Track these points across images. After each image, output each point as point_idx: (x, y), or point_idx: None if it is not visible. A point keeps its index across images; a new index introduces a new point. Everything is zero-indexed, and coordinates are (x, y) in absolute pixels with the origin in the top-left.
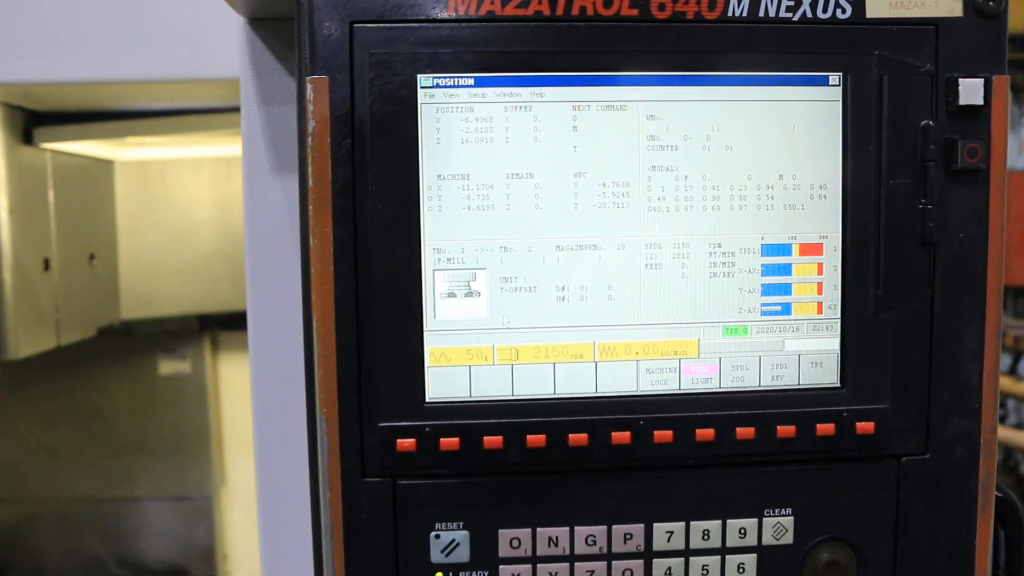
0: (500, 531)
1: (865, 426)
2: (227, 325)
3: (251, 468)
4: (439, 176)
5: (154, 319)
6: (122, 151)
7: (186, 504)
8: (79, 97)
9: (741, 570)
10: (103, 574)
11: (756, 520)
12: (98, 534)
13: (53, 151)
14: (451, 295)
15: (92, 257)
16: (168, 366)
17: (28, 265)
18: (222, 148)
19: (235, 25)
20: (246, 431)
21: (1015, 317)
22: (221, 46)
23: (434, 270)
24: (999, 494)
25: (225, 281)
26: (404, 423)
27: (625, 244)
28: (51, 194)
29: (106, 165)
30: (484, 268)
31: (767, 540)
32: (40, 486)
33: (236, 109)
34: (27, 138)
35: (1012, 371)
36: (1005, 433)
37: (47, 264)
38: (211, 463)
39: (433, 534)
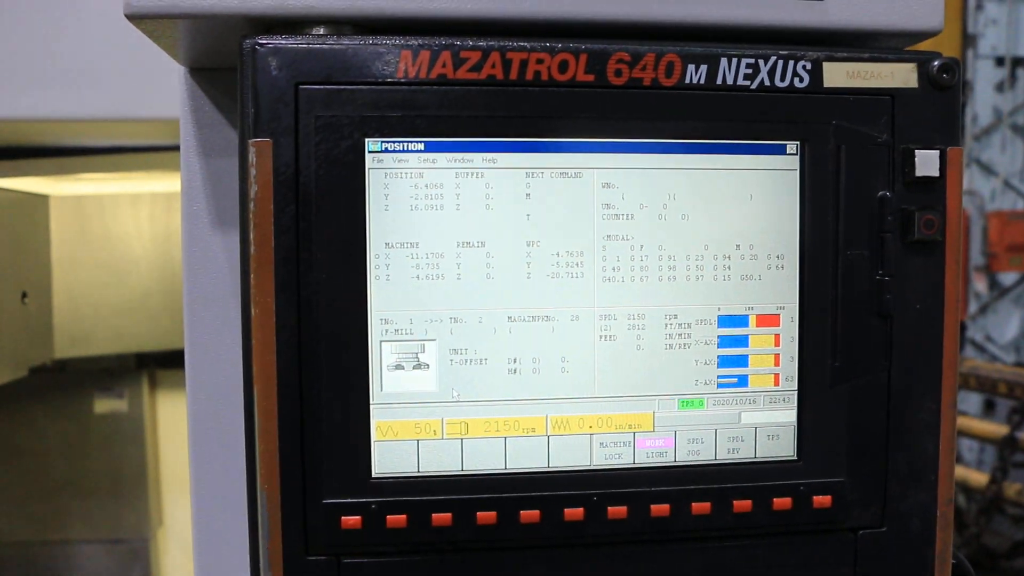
0: None
1: (822, 499)
2: (165, 363)
3: (190, 509)
4: (387, 244)
5: (89, 358)
6: (58, 186)
7: (121, 546)
8: (14, 133)
9: None
10: None
11: None
12: None
13: None
14: (399, 367)
15: (24, 295)
16: (104, 404)
17: None
18: (161, 184)
19: (176, 69)
20: (185, 470)
21: None
22: (162, 86)
23: (381, 341)
24: (953, 561)
25: (164, 318)
26: (349, 499)
27: (579, 315)
28: None
29: (41, 200)
30: (433, 339)
31: None
32: None
33: (176, 148)
34: None
35: None
36: None
37: None
38: (148, 503)
39: None
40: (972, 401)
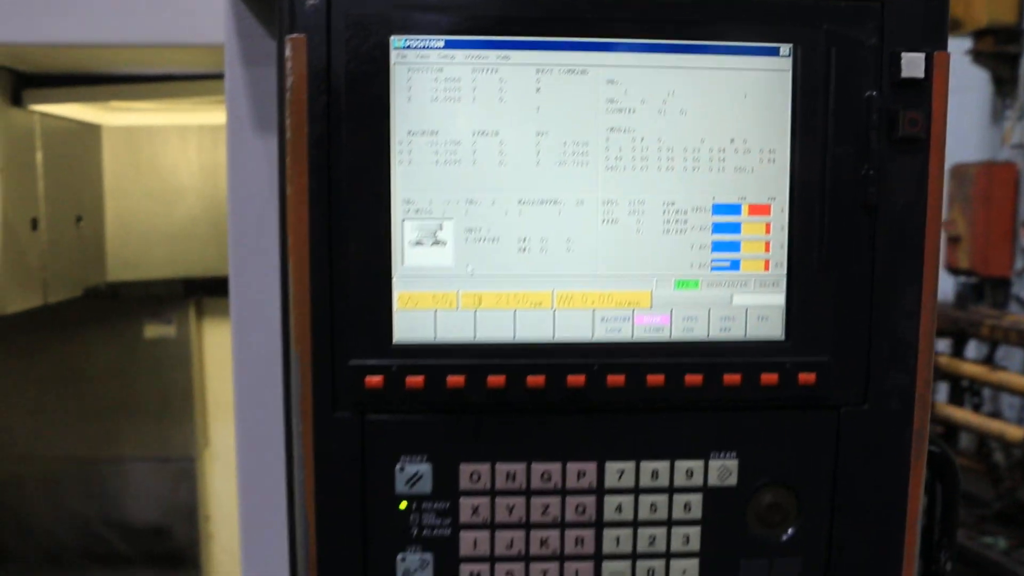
0: (461, 465)
1: (807, 377)
2: (212, 291)
3: (234, 430)
4: (409, 132)
5: (140, 282)
6: (110, 117)
7: (169, 465)
8: (68, 60)
9: (688, 509)
10: (88, 533)
11: (702, 462)
12: (83, 494)
13: (42, 114)
14: (419, 243)
15: (79, 219)
16: (153, 330)
17: (16, 224)
18: (208, 117)
19: None
20: (229, 395)
21: (993, 307)
22: (207, 12)
23: (403, 219)
24: (936, 450)
25: (211, 247)
26: (373, 361)
27: (584, 200)
28: (39, 156)
29: (94, 130)
30: (451, 219)
31: (712, 482)
32: (26, 445)
33: (222, 76)
34: (16, 100)
35: (988, 360)
36: (980, 421)
37: (35, 224)
38: (194, 426)
39: (398, 467)
40: (1015, 357)
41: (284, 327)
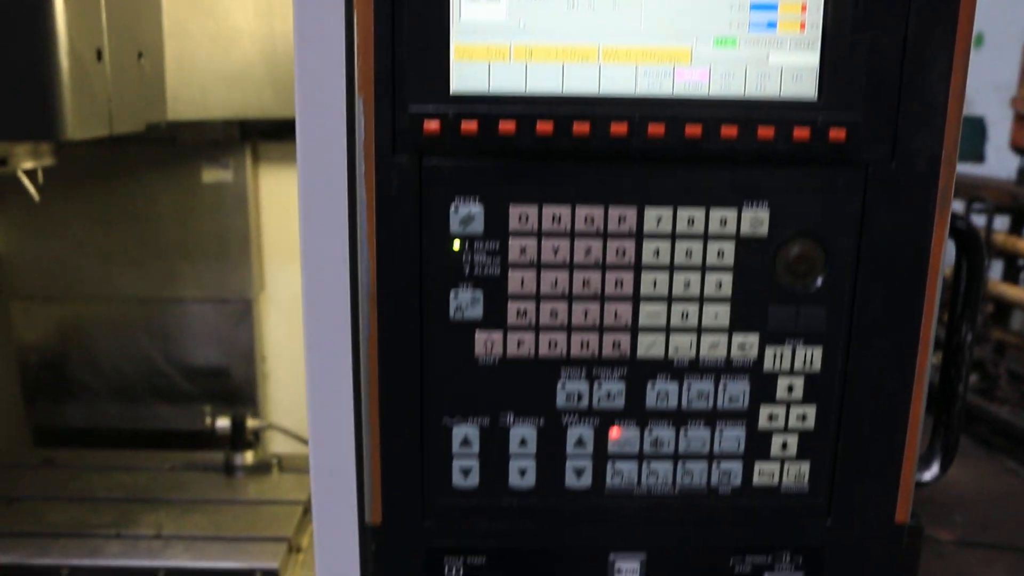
0: (510, 207)
1: (838, 133)
2: (267, 136)
3: (289, 275)
4: None
5: (198, 122)
6: None
7: (228, 306)
8: None
9: (721, 256)
10: (152, 370)
11: (735, 211)
12: (146, 332)
13: None
14: None
15: (140, 55)
16: (211, 174)
17: (82, 52)
18: None
19: None
20: (284, 239)
21: None
22: None
23: None
24: (962, 225)
25: (266, 91)
26: (431, 107)
27: None
28: None
29: None
30: None
31: (744, 231)
32: (92, 286)
33: None
34: None
35: None
36: None
37: (99, 55)
38: (251, 268)
39: (452, 208)
40: None
41: (348, 75)
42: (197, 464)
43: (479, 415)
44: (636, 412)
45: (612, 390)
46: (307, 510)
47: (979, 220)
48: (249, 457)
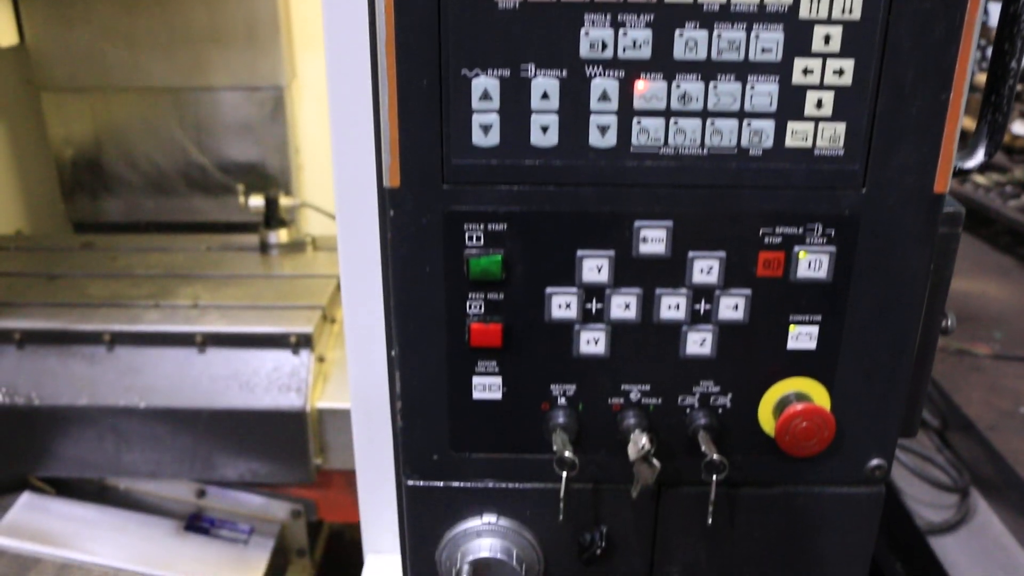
0: None
1: None
2: None
3: (321, 62)
4: None
5: None
6: None
7: (259, 93)
8: None
9: None
10: (186, 162)
11: None
12: (179, 123)
13: None
14: None
15: None
16: None
17: None
18: None
19: None
20: (316, 27)
21: None
22: None
23: None
24: None
25: None
26: None
27: None
28: None
29: None
30: None
31: None
32: (120, 75)
33: None
34: None
35: None
36: None
37: None
38: (282, 55)
39: None
40: None
41: None
42: (232, 245)
43: (499, 66)
44: (663, 63)
45: (638, 38)
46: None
47: None
48: (283, 235)
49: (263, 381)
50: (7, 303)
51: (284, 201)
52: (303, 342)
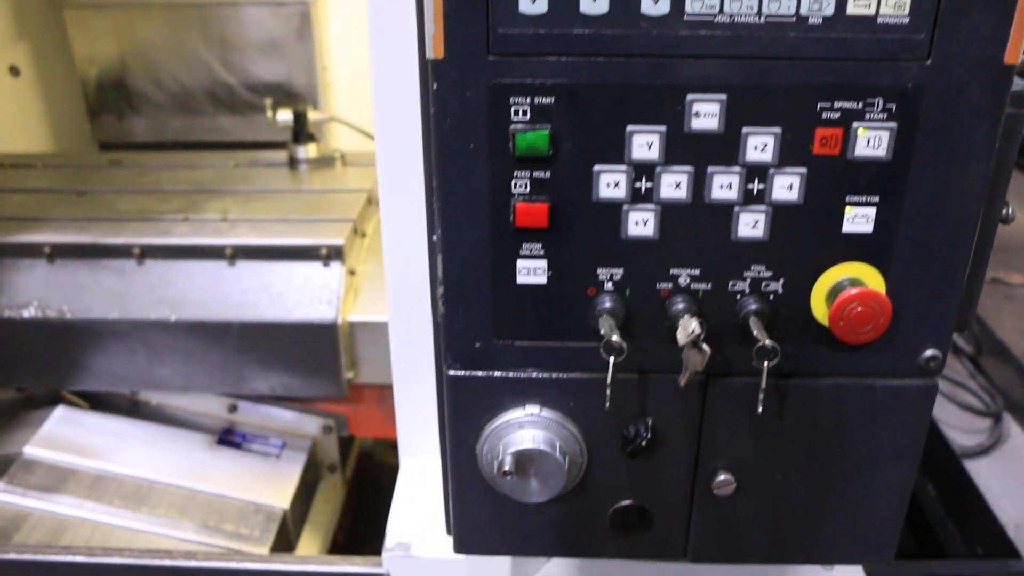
0: None
1: None
2: None
3: None
4: None
5: None
6: None
7: (285, 9)
8: None
9: None
10: (212, 80)
11: None
12: (204, 41)
13: None
14: None
15: None
16: None
17: None
18: None
19: None
20: None
21: None
22: None
23: None
24: None
25: None
26: None
27: None
28: None
29: None
30: None
31: None
32: None
33: None
34: None
35: None
36: None
37: None
38: None
39: None
40: None
41: None
42: (260, 161)
43: None
44: None
45: None
46: (371, 200)
47: None
48: (312, 151)
49: (294, 293)
50: (36, 218)
51: (313, 115)
52: (334, 254)
